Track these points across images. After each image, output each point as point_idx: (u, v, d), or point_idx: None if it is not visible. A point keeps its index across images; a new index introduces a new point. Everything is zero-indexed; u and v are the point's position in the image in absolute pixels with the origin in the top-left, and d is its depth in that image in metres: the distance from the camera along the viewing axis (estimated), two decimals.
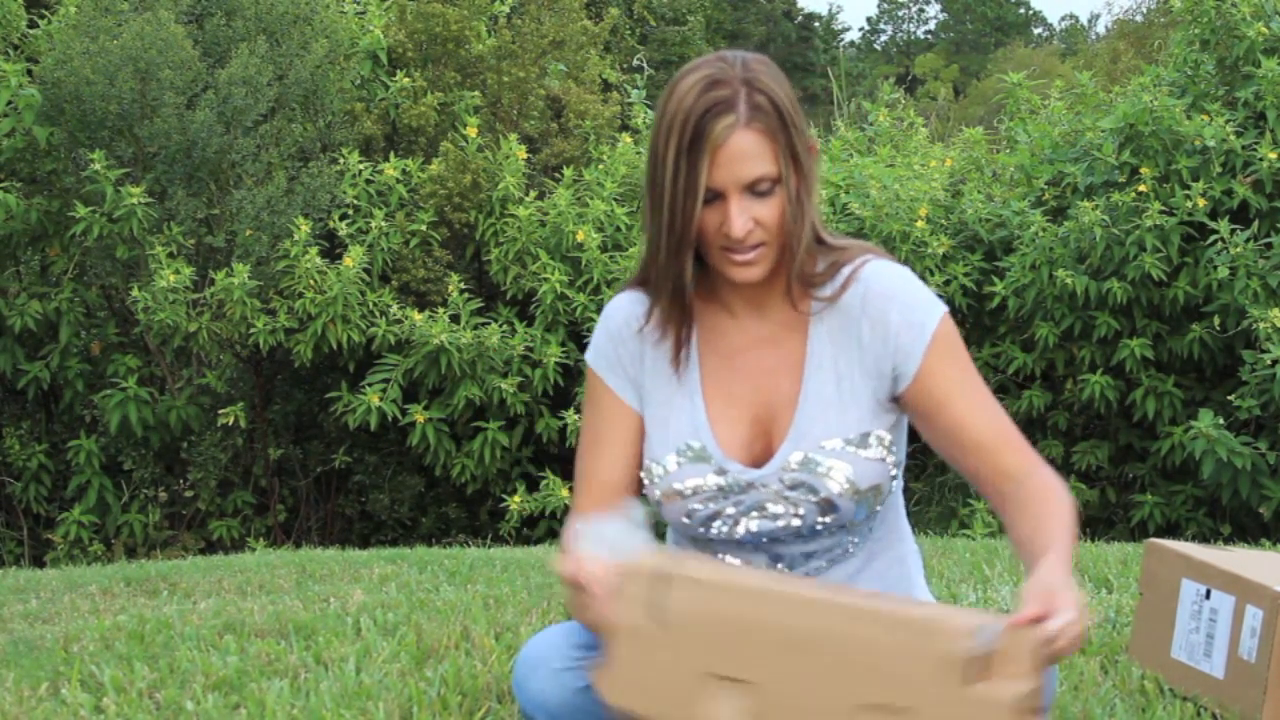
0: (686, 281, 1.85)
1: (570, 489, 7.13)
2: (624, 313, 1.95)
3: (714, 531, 1.94)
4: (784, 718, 1.55)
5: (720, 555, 1.99)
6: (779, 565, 1.96)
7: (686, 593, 1.59)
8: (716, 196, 1.79)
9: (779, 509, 1.90)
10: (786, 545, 1.94)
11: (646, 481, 1.95)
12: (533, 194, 7.66)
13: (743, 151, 1.76)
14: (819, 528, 1.92)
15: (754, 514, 1.91)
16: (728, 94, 1.76)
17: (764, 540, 1.94)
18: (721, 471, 1.90)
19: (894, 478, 1.93)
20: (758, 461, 1.91)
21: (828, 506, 1.89)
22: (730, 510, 1.91)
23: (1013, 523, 1.81)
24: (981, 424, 1.86)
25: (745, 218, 1.78)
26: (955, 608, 1.59)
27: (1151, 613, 2.52)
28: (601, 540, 1.70)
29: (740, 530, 1.92)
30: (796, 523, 1.91)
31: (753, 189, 1.78)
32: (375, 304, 7.21)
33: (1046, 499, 1.80)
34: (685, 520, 1.94)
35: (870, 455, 1.88)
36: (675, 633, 1.59)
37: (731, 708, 1.56)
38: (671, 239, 1.81)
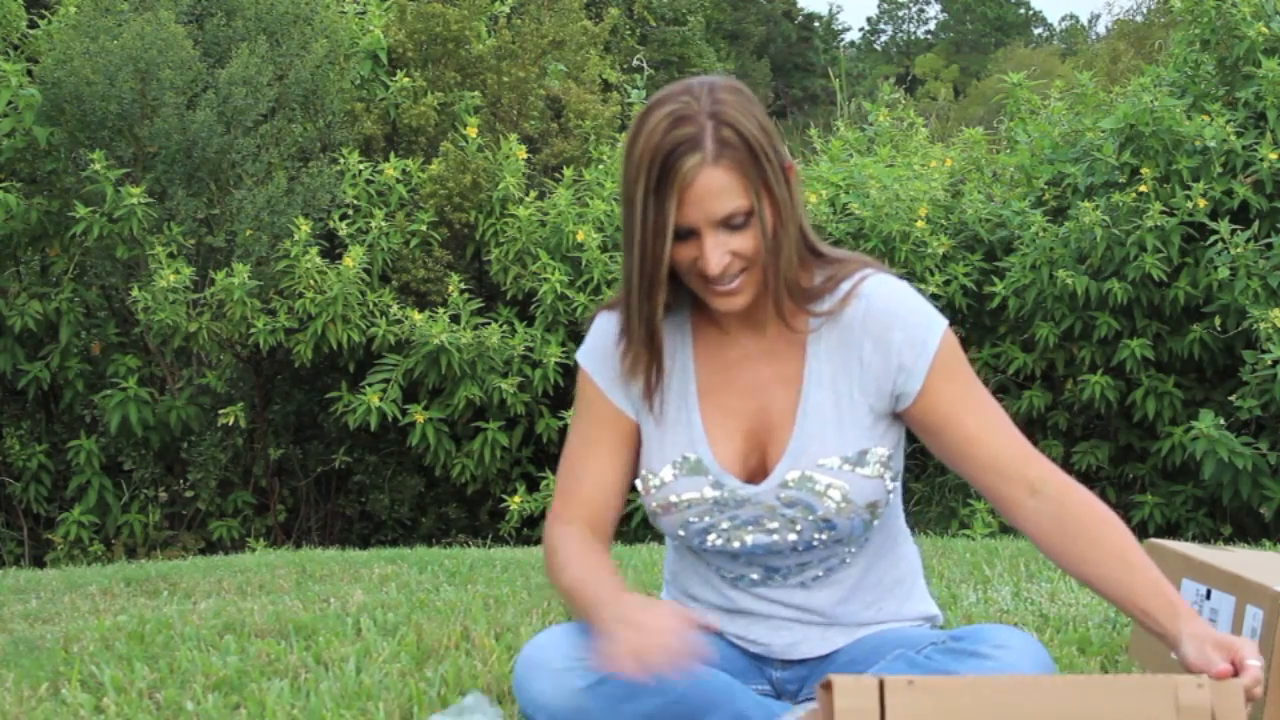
0: (658, 323, 1.84)
1: None
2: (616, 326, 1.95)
3: (709, 544, 1.93)
4: None
5: (715, 567, 1.99)
6: (775, 576, 1.96)
7: (899, 699, 1.55)
8: (691, 233, 1.76)
9: (775, 525, 1.89)
10: (783, 557, 1.94)
11: (642, 491, 1.94)
12: (533, 194, 7.66)
13: (712, 189, 1.73)
14: (815, 544, 1.91)
15: (750, 529, 1.90)
16: (693, 131, 1.73)
17: (759, 553, 1.93)
18: (717, 485, 1.89)
19: (891, 491, 1.92)
20: (753, 475, 1.90)
21: (825, 524, 1.88)
22: (725, 525, 1.91)
23: (1068, 552, 1.79)
24: (993, 440, 1.84)
25: (721, 253, 1.76)
26: (1140, 675, 1.63)
27: None
28: None
29: (736, 544, 1.92)
30: (793, 538, 1.90)
31: (727, 223, 1.75)
32: (375, 304, 7.21)
33: (1101, 524, 1.79)
34: (681, 533, 1.94)
35: (868, 473, 1.87)
36: None
37: None
38: (643, 280, 1.79)
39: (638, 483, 1.95)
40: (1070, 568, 1.80)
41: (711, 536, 1.92)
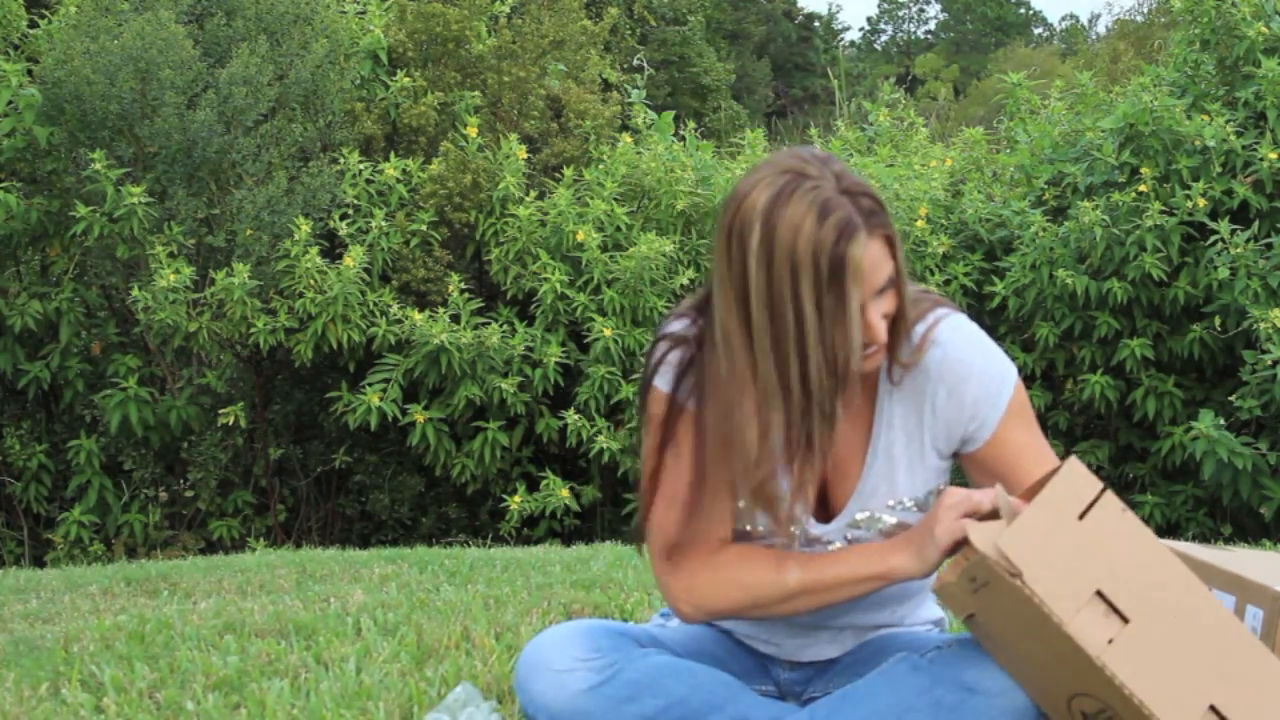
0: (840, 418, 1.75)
1: (570, 489, 7.14)
2: None
3: None
4: (1134, 664, 1.57)
5: None
6: None
7: (1110, 511, 1.60)
8: None
9: None
10: None
11: None
12: (533, 194, 7.66)
13: (875, 261, 1.70)
14: None
15: None
16: (845, 213, 1.66)
17: None
18: (793, 521, 1.88)
19: None
20: (815, 509, 1.89)
21: None
22: None
23: None
24: None
25: (880, 319, 1.73)
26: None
27: None
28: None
29: None
30: None
31: (880, 289, 1.73)
32: (375, 304, 7.21)
33: None
34: None
35: (929, 511, 1.87)
36: (1088, 534, 1.59)
37: (1099, 629, 1.57)
38: (829, 380, 1.69)
39: None
40: None
41: None
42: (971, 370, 1.83)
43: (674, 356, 1.85)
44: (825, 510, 1.89)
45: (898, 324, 1.77)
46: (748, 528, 1.89)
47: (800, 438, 1.72)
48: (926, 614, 2.05)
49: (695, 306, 1.86)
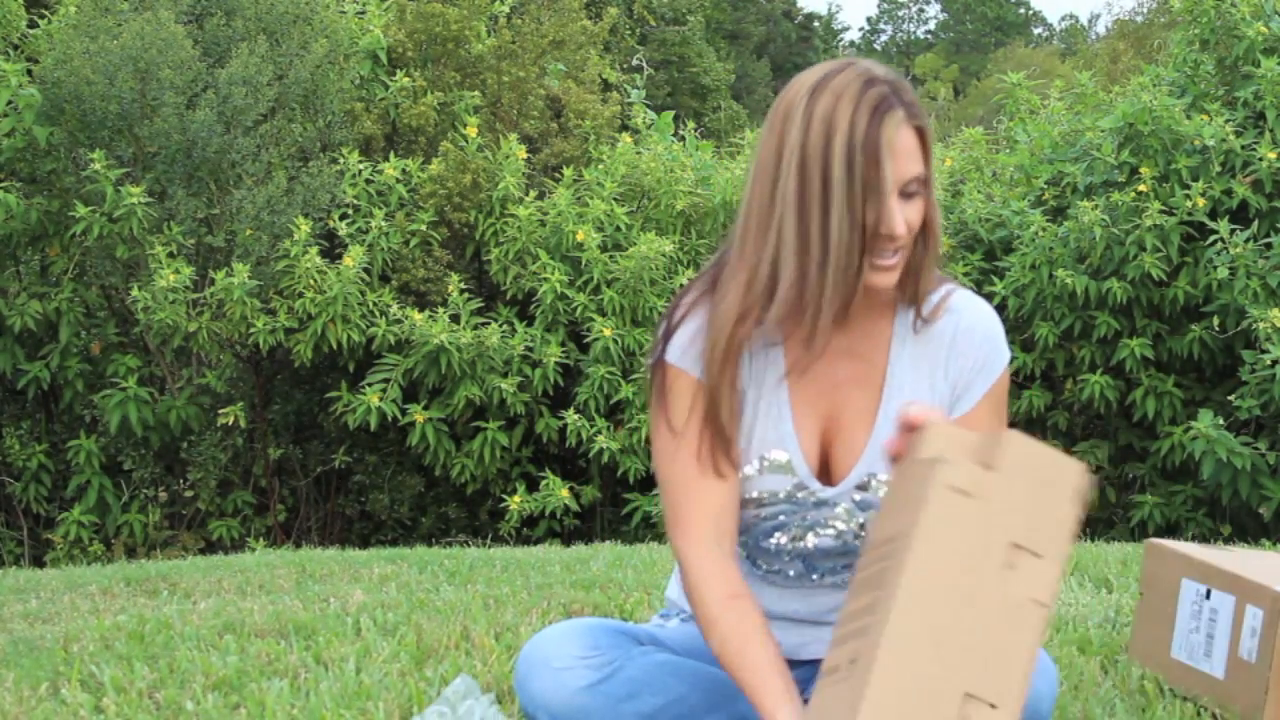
0: (859, 288, 1.72)
1: (570, 489, 7.14)
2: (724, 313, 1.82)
3: (772, 543, 1.91)
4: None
5: (753, 561, 1.97)
6: (813, 575, 1.95)
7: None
8: None
9: (844, 526, 1.89)
10: (831, 558, 1.93)
11: None
12: (533, 194, 7.66)
13: (907, 149, 1.69)
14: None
15: (818, 529, 1.90)
16: (887, 90, 1.68)
17: (816, 554, 1.91)
18: (801, 487, 1.87)
19: None
20: (821, 468, 1.89)
21: None
22: (796, 526, 1.90)
23: None
24: None
25: (902, 217, 1.70)
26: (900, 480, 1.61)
27: (1151, 613, 2.52)
28: None
29: (799, 545, 1.90)
30: (856, 542, 1.90)
31: (905, 189, 1.70)
32: (375, 304, 7.21)
33: None
34: (749, 527, 1.92)
35: None
36: None
37: None
38: (855, 238, 1.68)
39: None
40: None
41: (778, 535, 1.90)
42: (983, 339, 1.86)
43: (682, 326, 1.84)
44: (828, 475, 1.89)
45: (924, 241, 1.75)
46: (753, 493, 1.86)
47: (810, 293, 1.70)
48: None
49: (701, 278, 1.86)
